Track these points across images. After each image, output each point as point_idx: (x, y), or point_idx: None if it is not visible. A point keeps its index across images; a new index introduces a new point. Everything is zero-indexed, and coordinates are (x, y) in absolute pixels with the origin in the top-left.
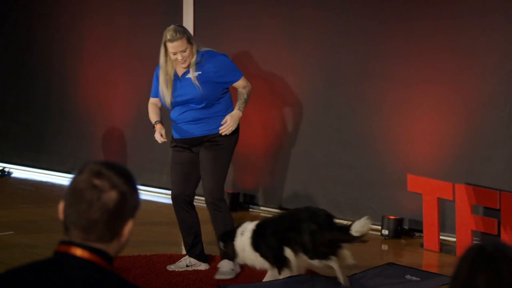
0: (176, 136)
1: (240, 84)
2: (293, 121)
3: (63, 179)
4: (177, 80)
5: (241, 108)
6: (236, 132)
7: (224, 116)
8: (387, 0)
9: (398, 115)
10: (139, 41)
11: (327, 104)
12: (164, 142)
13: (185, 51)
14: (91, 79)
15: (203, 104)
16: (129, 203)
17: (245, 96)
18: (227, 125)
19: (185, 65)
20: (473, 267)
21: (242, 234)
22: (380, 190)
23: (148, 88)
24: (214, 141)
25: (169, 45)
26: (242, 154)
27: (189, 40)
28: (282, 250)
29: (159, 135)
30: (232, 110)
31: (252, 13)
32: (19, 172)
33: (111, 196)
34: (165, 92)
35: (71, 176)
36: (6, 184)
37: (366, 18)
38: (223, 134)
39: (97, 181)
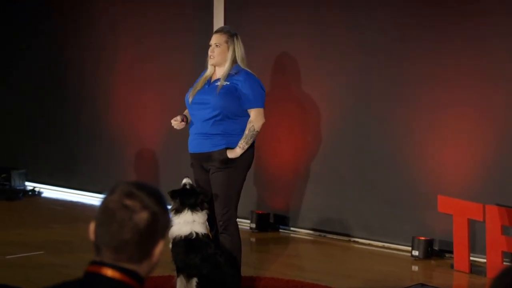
0: (189, 150)
1: (252, 114)
2: (323, 140)
3: (94, 199)
4: (207, 84)
5: (240, 146)
6: (248, 151)
7: (237, 136)
8: (417, 21)
9: (428, 135)
10: (170, 61)
11: (357, 125)
12: (180, 126)
13: (218, 46)
14: (122, 99)
15: (217, 112)
16: (160, 224)
17: (246, 132)
18: (234, 154)
19: (212, 61)
20: None
21: None
22: (410, 211)
23: (179, 108)
24: (224, 160)
25: (212, 36)
26: (272, 174)
27: (228, 41)
28: None
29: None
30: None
31: (280, 34)
32: (50, 192)
33: (143, 216)
34: (193, 89)
35: (102, 196)
36: (37, 204)
37: (394, 39)
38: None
39: (128, 202)
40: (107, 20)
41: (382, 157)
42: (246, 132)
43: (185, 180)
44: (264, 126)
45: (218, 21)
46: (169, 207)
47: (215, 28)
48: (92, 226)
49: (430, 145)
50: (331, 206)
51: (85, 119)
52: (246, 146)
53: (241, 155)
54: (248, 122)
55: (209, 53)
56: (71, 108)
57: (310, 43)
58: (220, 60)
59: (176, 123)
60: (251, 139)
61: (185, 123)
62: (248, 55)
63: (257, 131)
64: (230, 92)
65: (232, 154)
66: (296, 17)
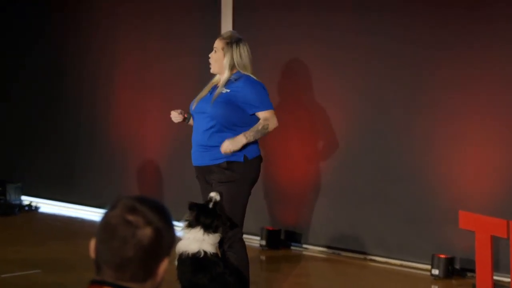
0: (193, 162)
1: (263, 115)
2: (337, 152)
3: (94, 214)
4: (210, 91)
5: (247, 135)
6: (252, 163)
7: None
8: (434, 25)
9: (449, 146)
10: (175, 67)
11: (373, 135)
12: (178, 118)
13: (216, 52)
14: (123, 107)
15: (213, 123)
16: (164, 240)
17: (259, 127)
18: (225, 146)
19: (212, 69)
20: None
21: None
22: (430, 227)
23: None
24: (224, 176)
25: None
26: (283, 188)
27: (224, 48)
28: None
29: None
30: (255, 153)
31: (290, 39)
32: (47, 206)
33: (146, 232)
34: (198, 96)
35: (103, 211)
36: (34, 220)
37: (412, 45)
38: (222, 151)
39: (131, 217)
40: (108, 23)
41: (399, 169)
42: (259, 127)
43: (212, 194)
44: (273, 135)
45: (226, 24)
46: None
47: (222, 32)
48: (92, 243)
49: (450, 156)
50: (346, 222)
51: (85, 128)
52: (251, 139)
53: (245, 168)
54: (262, 118)
55: (209, 56)
56: (69, 117)
57: (322, 48)
58: (216, 67)
59: (175, 114)
60: (260, 135)
61: (183, 117)
62: (257, 60)
63: (269, 130)
64: (229, 100)
65: (233, 143)
66: (307, 20)
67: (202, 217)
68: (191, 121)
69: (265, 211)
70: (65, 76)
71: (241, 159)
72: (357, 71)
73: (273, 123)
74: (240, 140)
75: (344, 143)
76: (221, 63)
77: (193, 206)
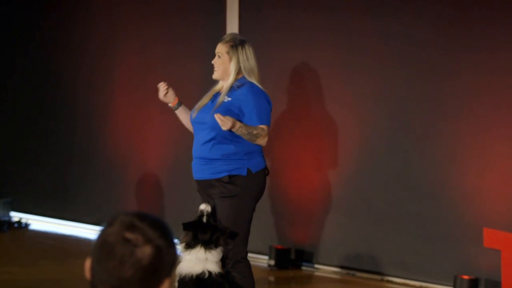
0: (193, 176)
1: None
2: (352, 165)
3: (89, 232)
4: (212, 99)
5: (242, 125)
6: (256, 177)
7: (241, 161)
8: (457, 29)
9: (473, 160)
10: (177, 72)
11: (391, 147)
12: (165, 91)
13: (220, 57)
14: (122, 117)
15: (214, 134)
16: (165, 260)
17: (254, 131)
18: (223, 119)
19: (214, 74)
20: None
21: None
22: (452, 245)
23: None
24: (226, 190)
25: (217, 44)
26: (293, 203)
27: (230, 52)
28: None
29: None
30: (259, 166)
31: (299, 42)
32: (38, 223)
33: (146, 251)
34: (197, 106)
35: (99, 228)
36: (24, 238)
37: (433, 49)
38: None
39: (129, 235)
40: (105, 24)
41: (419, 183)
42: (254, 131)
43: (202, 207)
44: (282, 148)
45: (232, 26)
46: (176, 240)
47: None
48: (87, 263)
49: (474, 170)
50: (361, 239)
51: (79, 140)
52: (241, 131)
53: (248, 182)
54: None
55: (213, 63)
56: (63, 128)
57: (334, 52)
58: (221, 73)
59: (163, 86)
60: (247, 137)
61: (173, 100)
62: (264, 65)
63: (256, 141)
64: (230, 109)
65: (227, 122)
66: (319, 23)
67: (199, 234)
68: (180, 110)
69: (273, 228)
70: (58, 83)
71: (244, 173)
72: (373, 77)
73: (263, 140)
74: (236, 123)
75: (358, 155)
76: (226, 68)
77: (188, 226)
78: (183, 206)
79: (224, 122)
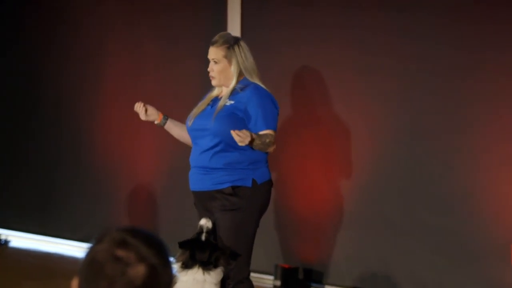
0: (190, 187)
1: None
2: (365, 175)
3: (76, 249)
4: (211, 104)
5: (256, 138)
6: (261, 188)
7: (245, 171)
8: (483, 26)
9: (499, 171)
10: (173, 75)
11: (408, 155)
12: (143, 110)
13: (217, 63)
14: (111, 122)
15: (217, 141)
16: (160, 280)
17: (267, 140)
18: (241, 134)
19: (214, 82)
20: None
21: None
22: (476, 263)
23: None
24: (228, 203)
25: (209, 49)
26: (301, 217)
27: (227, 55)
28: None
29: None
30: (265, 177)
31: (306, 40)
32: (20, 240)
33: (139, 271)
34: (193, 112)
35: (87, 245)
36: (3, 256)
37: (456, 48)
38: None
39: (121, 252)
40: (93, 22)
41: (439, 195)
42: (266, 139)
43: (202, 222)
44: (287, 155)
45: (233, 24)
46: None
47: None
48: (74, 283)
49: (501, 181)
50: (376, 257)
51: (64, 148)
52: (256, 142)
53: (253, 194)
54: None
55: (209, 71)
56: (47, 136)
57: (345, 52)
58: (222, 79)
59: (139, 105)
60: (262, 146)
61: (157, 116)
62: (268, 65)
63: (268, 151)
64: (234, 114)
65: (244, 138)
66: (328, 19)
67: (197, 253)
68: (168, 125)
69: (278, 244)
70: (41, 87)
71: (249, 184)
72: (386, 78)
73: (271, 148)
74: (251, 136)
75: (372, 163)
76: (227, 74)
77: (184, 245)
78: (179, 220)
79: (242, 138)
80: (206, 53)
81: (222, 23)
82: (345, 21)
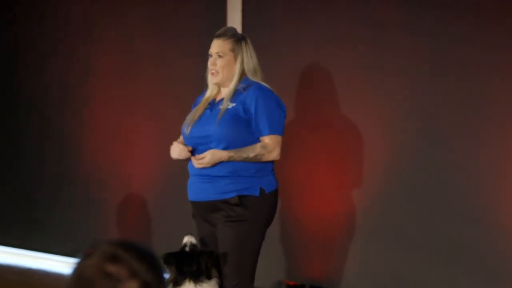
0: (189, 197)
1: (265, 140)
2: (377, 184)
3: (62, 265)
4: (209, 108)
5: (231, 155)
6: (269, 198)
7: (251, 178)
8: (504, 24)
9: None
10: (168, 74)
11: (425, 162)
12: (186, 154)
13: (222, 56)
14: (101, 127)
15: (222, 147)
16: None
17: (251, 154)
18: (202, 160)
19: (216, 79)
20: None
21: None
22: (498, 281)
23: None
24: (234, 213)
25: (212, 42)
26: (308, 230)
27: (235, 49)
28: None
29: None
30: (273, 186)
31: (313, 37)
32: (0, 255)
33: (131, 287)
34: (189, 118)
35: (74, 260)
36: None
37: (475, 47)
38: (194, 163)
39: (111, 268)
40: (80, 15)
41: (459, 207)
42: (251, 154)
43: (186, 239)
44: (293, 163)
45: (234, 18)
46: (167, 275)
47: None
48: None
49: None
50: (390, 274)
51: (50, 153)
52: (236, 159)
53: (260, 204)
54: (260, 145)
55: (210, 66)
56: (30, 141)
57: (356, 50)
58: (225, 76)
59: (183, 148)
60: (247, 159)
61: (190, 153)
62: (272, 64)
63: (265, 159)
64: (237, 116)
65: (213, 156)
66: (337, 15)
67: (184, 266)
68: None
69: (282, 259)
70: (22, 89)
71: (257, 193)
72: (402, 79)
73: (271, 155)
74: (220, 155)
75: (385, 171)
76: (231, 70)
77: (169, 258)
78: (174, 233)
79: (209, 161)
80: (204, 51)
81: (221, 18)
82: (354, 17)
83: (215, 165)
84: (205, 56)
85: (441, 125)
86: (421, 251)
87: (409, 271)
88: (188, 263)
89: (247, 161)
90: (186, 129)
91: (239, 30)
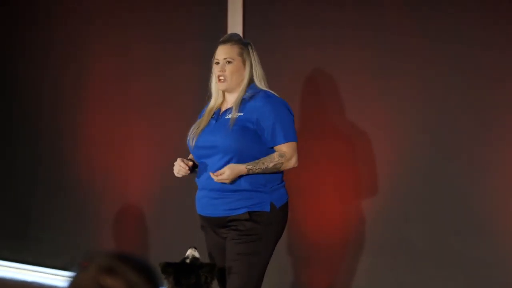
0: (197, 210)
1: (280, 149)
2: (385, 196)
3: (56, 278)
4: (215, 118)
5: (249, 167)
6: (280, 213)
7: (263, 193)
8: None
9: None
10: (167, 80)
11: (438, 173)
12: (184, 172)
13: (231, 62)
14: (96, 137)
15: (228, 159)
16: None
17: (270, 165)
18: (221, 176)
19: (224, 85)
20: None
21: None
22: None
23: (180, 147)
24: (244, 228)
25: (218, 49)
26: (313, 242)
27: (243, 53)
28: None
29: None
30: (284, 199)
31: (321, 42)
32: None
33: None
34: (196, 128)
35: (69, 274)
36: None
37: (485, 49)
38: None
39: (108, 280)
40: (74, 21)
41: (472, 221)
42: (269, 164)
43: (188, 252)
44: (297, 173)
45: (235, 21)
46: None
47: (229, 31)
48: None
49: None
50: (396, 286)
51: (44, 165)
52: (255, 171)
53: (271, 219)
54: (278, 154)
55: (217, 73)
56: (23, 152)
57: (364, 54)
58: (234, 82)
59: (182, 166)
60: (266, 170)
61: (189, 170)
62: (274, 69)
63: (280, 170)
64: (245, 127)
65: (232, 171)
66: (343, 17)
67: (182, 278)
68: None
69: (288, 272)
70: (14, 94)
71: (267, 209)
72: (411, 85)
73: (290, 163)
74: (239, 169)
75: (393, 181)
76: (240, 75)
77: (167, 268)
78: (172, 246)
79: (227, 177)
80: (204, 55)
81: (221, 20)
82: (360, 19)
83: (235, 180)
84: (205, 61)
85: (454, 131)
86: (430, 264)
87: (417, 284)
88: (187, 275)
89: (266, 172)
90: (192, 141)
91: (240, 32)
